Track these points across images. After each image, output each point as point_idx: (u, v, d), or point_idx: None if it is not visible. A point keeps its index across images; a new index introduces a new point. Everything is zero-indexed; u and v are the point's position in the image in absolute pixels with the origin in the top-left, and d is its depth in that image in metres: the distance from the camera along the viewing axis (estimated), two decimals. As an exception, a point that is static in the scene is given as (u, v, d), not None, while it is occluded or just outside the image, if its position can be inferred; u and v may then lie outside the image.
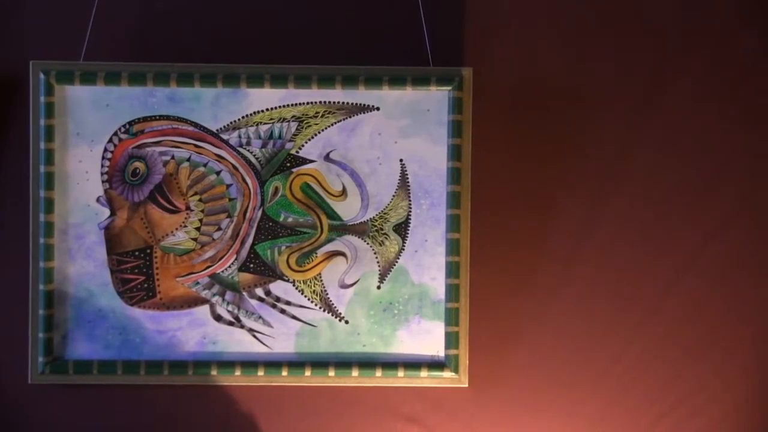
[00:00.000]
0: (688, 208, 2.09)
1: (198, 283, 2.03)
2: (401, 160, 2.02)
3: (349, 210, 2.03)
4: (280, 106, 2.01)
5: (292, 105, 2.01)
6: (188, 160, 2.01)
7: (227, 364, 2.01)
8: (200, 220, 2.03)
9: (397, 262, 2.04)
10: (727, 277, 2.08)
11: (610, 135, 2.09)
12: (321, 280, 2.04)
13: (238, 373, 2.01)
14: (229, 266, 2.03)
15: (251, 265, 2.02)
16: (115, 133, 2.00)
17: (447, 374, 2.00)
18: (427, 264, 2.02)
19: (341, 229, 2.03)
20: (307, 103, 2.01)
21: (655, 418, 2.08)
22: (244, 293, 2.04)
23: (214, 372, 2.00)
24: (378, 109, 2.01)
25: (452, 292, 2.01)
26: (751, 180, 2.08)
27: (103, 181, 2.00)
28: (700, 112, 2.08)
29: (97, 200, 2.01)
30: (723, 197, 2.07)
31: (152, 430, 2.05)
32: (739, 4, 2.08)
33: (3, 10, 2.03)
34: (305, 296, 2.03)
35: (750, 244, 2.08)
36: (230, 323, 2.04)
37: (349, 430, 2.06)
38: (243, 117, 2.00)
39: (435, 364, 2.02)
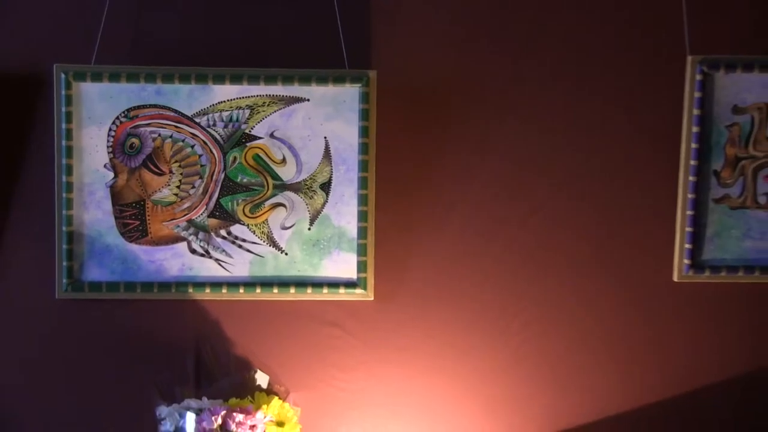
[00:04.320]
0: (540, 164, 2.30)
1: (178, 226, 2.25)
2: (325, 137, 2.24)
3: (287, 173, 2.25)
4: (237, 98, 2.22)
5: (246, 97, 2.22)
6: (171, 137, 2.22)
7: (200, 284, 2.25)
8: (180, 181, 2.23)
9: (322, 210, 2.26)
10: (568, 217, 2.31)
11: (484, 110, 2.28)
12: (267, 224, 2.26)
13: (208, 291, 2.25)
14: (201, 214, 2.25)
15: (217, 213, 2.25)
16: (117, 117, 2.20)
17: (358, 291, 2.26)
18: (344, 212, 2.26)
19: (282, 187, 2.25)
20: (257, 96, 2.22)
21: (511, 317, 2.33)
22: (212, 233, 2.25)
23: (190, 290, 2.25)
24: (308, 100, 2.22)
25: (362, 232, 2.25)
26: (596, 139, 2.29)
27: (108, 152, 2.21)
28: (556, 90, 2.29)
29: (104, 166, 2.22)
30: (570, 156, 2.30)
31: (144, 333, 2.28)
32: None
33: (33, 26, 2.21)
34: (256, 235, 2.26)
35: (587, 194, 2.31)
36: (202, 255, 2.26)
37: (288, 332, 2.31)
38: (210, 105, 2.21)
39: (350, 284, 2.27)
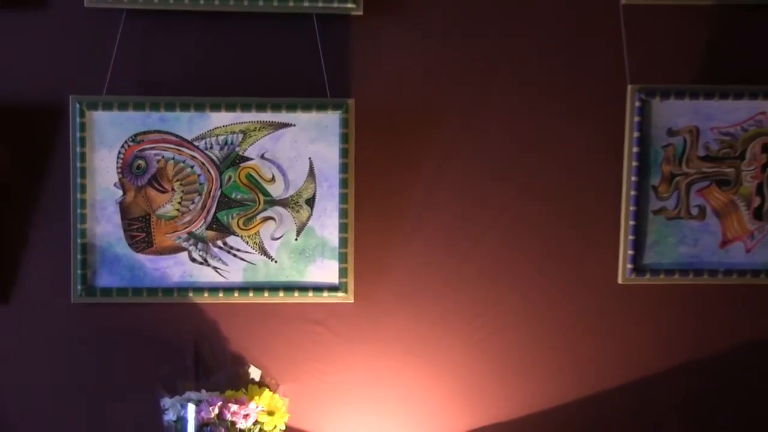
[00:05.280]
0: (499, 180, 2.38)
1: (180, 237, 2.32)
2: (310, 158, 2.31)
3: (276, 190, 2.32)
4: (231, 124, 2.29)
5: (239, 123, 2.29)
6: (173, 158, 2.29)
7: (199, 289, 2.32)
8: (181, 197, 2.30)
9: (307, 223, 2.33)
10: (525, 227, 2.39)
11: (448, 132, 2.36)
12: (259, 235, 2.33)
13: (206, 295, 2.32)
14: (200, 226, 2.32)
15: (214, 226, 2.32)
16: (125, 142, 2.28)
17: (340, 294, 2.33)
18: (327, 224, 2.33)
19: (271, 202, 2.32)
20: (249, 122, 2.29)
21: (476, 314, 2.41)
22: (210, 244, 2.32)
23: (190, 295, 2.32)
24: (295, 125, 2.30)
25: (343, 242, 2.32)
26: (549, 157, 2.39)
27: (117, 173, 2.28)
28: (512, 114, 2.39)
29: (114, 185, 2.29)
30: (527, 172, 2.39)
31: (150, 333, 2.35)
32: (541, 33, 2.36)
33: (52, 62, 2.29)
34: (249, 245, 2.33)
35: (542, 206, 2.40)
36: (201, 263, 2.33)
37: (277, 331, 2.38)
38: (208, 131, 2.29)
39: (332, 288, 2.33)
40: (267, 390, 2.29)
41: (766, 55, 2.42)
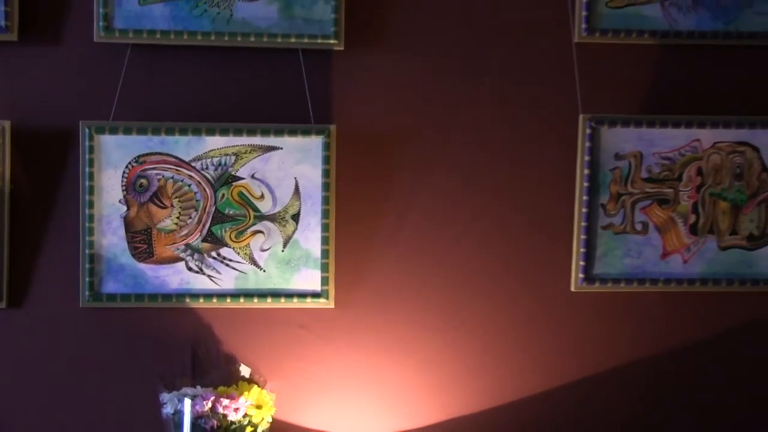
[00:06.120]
0: (465, 201, 2.50)
1: (178, 249, 2.40)
2: (295, 178, 2.41)
3: (265, 206, 2.41)
4: (225, 147, 2.39)
5: (232, 146, 2.39)
6: (172, 178, 2.38)
7: (195, 296, 2.41)
8: (179, 213, 2.39)
9: (293, 236, 2.42)
10: (489, 242, 2.50)
11: (420, 157, 2.48)
12: (249, 247, 2.42)
13: (201, 301, 2.41)
14: (196, 239, 2.41)
15: (209, 238, 2.41)
16: (129, 162, 2.37)
17: (322, 300, 2.43)
18: (311, 237, 2.42)
19: (261, 217, 2.41)
20: (241, 145, 2.39)
21: (447, 318, 2.51)
22: (205, 254, 2.41)
23: (187, 300, 2.41)
24: (282, 148, 2.39)
25: (325, 253, 2.42)
26: (510, 179, 2.52)
27: (122, 190, 2.37)
28: (477, 140, 2.51)
29: (119, 201, 2.38)
30: (490, 192, 2.49)
31: (150, 335, 2.44)
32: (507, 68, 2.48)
33: (64, 91, 2.39)
34: (240, 256, 2.42)
35: (504, 223, 2.53)
36: (197, 272, 2.42)
37: (265, 333, 2.47)
38: (204, 153, 2.38)
39: (315, 295, 2.43)
40: (255, 386, 2.39)
41: (700, 89, 2.58)
